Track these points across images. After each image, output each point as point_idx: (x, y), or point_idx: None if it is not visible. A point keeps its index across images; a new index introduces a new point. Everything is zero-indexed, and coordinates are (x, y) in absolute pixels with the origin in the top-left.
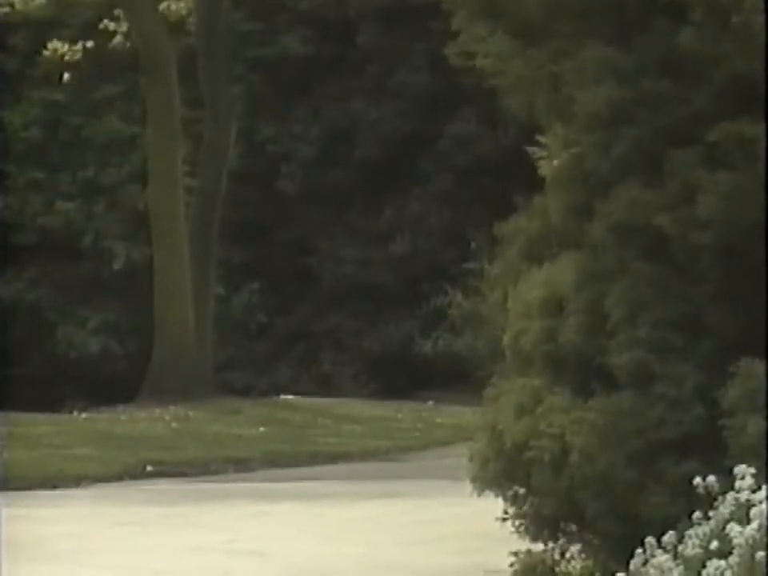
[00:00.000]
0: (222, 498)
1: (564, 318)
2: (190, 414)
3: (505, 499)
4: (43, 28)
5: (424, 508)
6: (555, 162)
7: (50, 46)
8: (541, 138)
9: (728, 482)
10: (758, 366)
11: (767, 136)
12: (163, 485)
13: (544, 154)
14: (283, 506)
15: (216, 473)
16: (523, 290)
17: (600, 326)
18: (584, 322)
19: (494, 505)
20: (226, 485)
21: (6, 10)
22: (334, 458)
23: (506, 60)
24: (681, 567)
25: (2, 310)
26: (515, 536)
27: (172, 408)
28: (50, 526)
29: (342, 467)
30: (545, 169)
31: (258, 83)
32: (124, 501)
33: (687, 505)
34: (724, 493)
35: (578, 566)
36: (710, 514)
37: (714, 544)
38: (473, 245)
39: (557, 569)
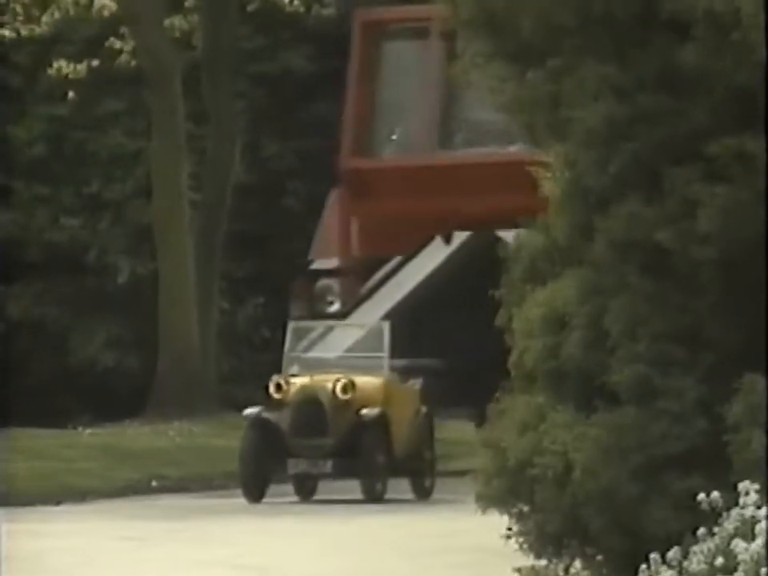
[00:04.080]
0: (225, 513)
1: (566, 334)
2: (194, 429)
3: (509, 516)
4: (48, 45)
5: (425, 522)
6: (556, 181)
7: (54, 65)
8: (543, 157)
9: (732, 497)
10: (761, 381)
11: (767, 151)
12: (167, 500)
13: (546, 173)
14: (285, 521)
15: (219, 488)
16: (527, 308)
17: (602, 342)
18: (586, 339)
19: (497, 520)
20: (228, 500)
21: (7, 32)
22: None
23: (505, 81)
24: None
25: (7, 325)
26: (518, 552)
27: (176, 423)
28: (52, 541)
29: (342, 482)
30: (547, 187)
31: (262, 98)
32: (127, 515)
33: (691, 520)
34: (728, 509)
35: None
36: (715, 529)
37: (719, 560)
38: None
39: None
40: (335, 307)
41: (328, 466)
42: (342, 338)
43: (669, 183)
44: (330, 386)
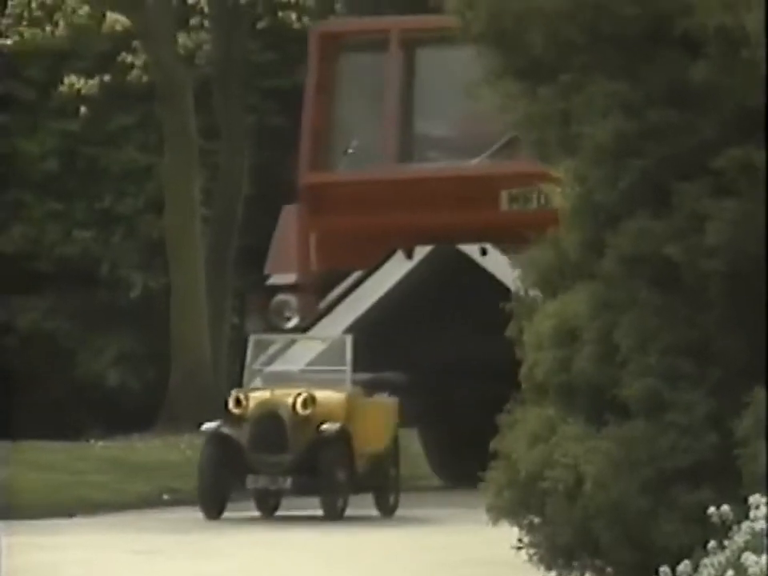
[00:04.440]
0: (236, 526)
1: (577, 348)
2: None
3: (520, 528)
4: (59, 59)
5: (434, 534)
6: (566, 196)
7: (65, 81)
8: (554, 173)
9: (743, 510)
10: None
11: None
12: (178, 513)
13: (558, 188)
14: (296, 533)
15: (231, 501)
16: (537, 322)
17: (612, 355)
18: (596, 352)
19: (507, 533)
20: (240, 513)
21: (9, 42)
22: None
23: (516, 98)
24: None
25: (19, 339)
26: (527, 564)
27: (187, 436)
28: (64, 553)
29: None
30: (558, 203)
31: (272, 113)
32: (139, 528)
33: (702, 533)
34: (739, 522)
35: None
36: (725, 543)
37: (730, 573)
38: None
39: None
40: (293, 323)
41: (287, 482)
42: (304, 351)
43: (677, 198)
44: (290, 400)
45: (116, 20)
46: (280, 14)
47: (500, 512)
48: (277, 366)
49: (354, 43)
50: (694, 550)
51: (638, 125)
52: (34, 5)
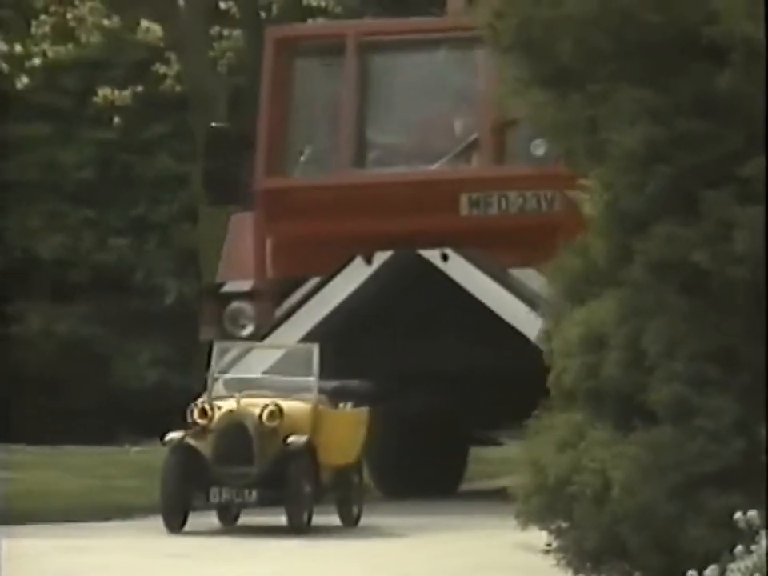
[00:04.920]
0: (272, 530)
1: (605, 354)
2: None
3: (549, 532)
4: (95, 69)
5: (462, 539)
6: (594, 203)
7: (100, 92)
8: (582, 181)
9: None
10: None
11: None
12: (211, 517)
13: (586, 196)
14: (327, 537)
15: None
16: (565, 328)
17: (640, 361)
18: (624, 359)
19: (536, 539)
20: (273, 517)
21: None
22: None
23: (544, 107)
24: None
25: (57, 344)
26: (555, 568)
27: None
28: (101, 557)
29: (385, 501)
30: (587, 210)
31: None
32: (174, 532)
33: (729, 538)
34: (766, 527)
35: None
36: (752, 547)
37: None
38: None
39: None
40: (248, 330)
41: (253, 495)
42: (261, 359)
43: (705, 205)
44: (256, 412)
45: (148, 29)
46: (310, 21)
47: (528, 517)
48: (235, 373)
49: (310, 48)
50: (721, 555)
51: (665, 132)
52: (69, 15)
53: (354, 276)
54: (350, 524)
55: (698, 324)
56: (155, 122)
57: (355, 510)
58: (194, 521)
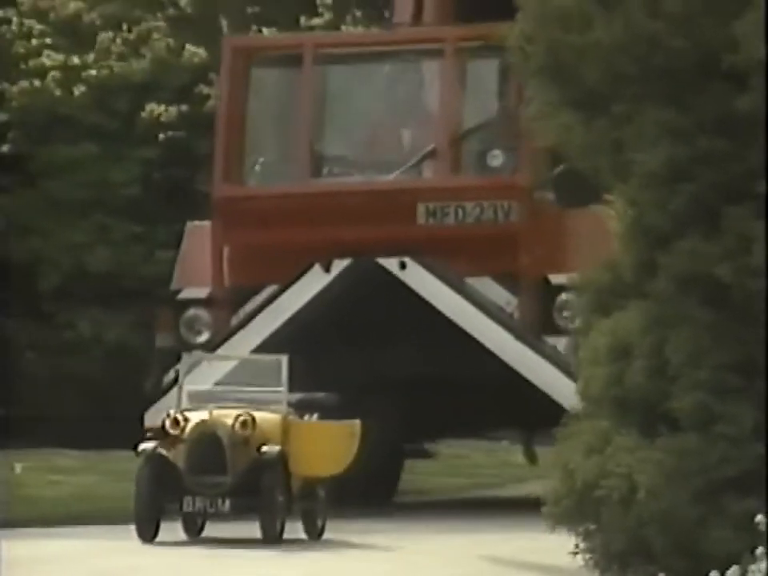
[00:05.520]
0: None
1: (630, 363)
2: None
3: (577, 535)
4: (142, 91)
5: (483, 543)
6: (620, 220)
7: (147, 108)
8: (608, 197)
9: None
10: None
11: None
12: (251, 521)
13: (612, 212)
14: (358, 539)
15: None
16: (592, 338)
17: (664, 370)
18: (649, 368)
19: (564, 541)
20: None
21: (95, 71)
22: (410, 493)
23: (572, 128)
24: None
25: (105, 352)
26: (582, 569)
27: None
28: (141, 558)
29: (416, 505)
30: (613, 226)
31: None
32: (211, 533)
33: (749, 540)
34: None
35: None
36: None
37: None
38: None
39: None
40: (204, 337)
41: (226, 504)
42: (219, 369)
43: (726, 221)
44: (229, 422)
45: (194, 53)
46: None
47: (557, 519)
48: (188, 384)
49: (267, 58)
50: (742, 557)
51: (687, 152)
52: (119, 40)
53: (312, 284)
54: (314, 536)
55: (720, 334)
56: (199, 140)
57: (319, 522)
58: (230, 525)
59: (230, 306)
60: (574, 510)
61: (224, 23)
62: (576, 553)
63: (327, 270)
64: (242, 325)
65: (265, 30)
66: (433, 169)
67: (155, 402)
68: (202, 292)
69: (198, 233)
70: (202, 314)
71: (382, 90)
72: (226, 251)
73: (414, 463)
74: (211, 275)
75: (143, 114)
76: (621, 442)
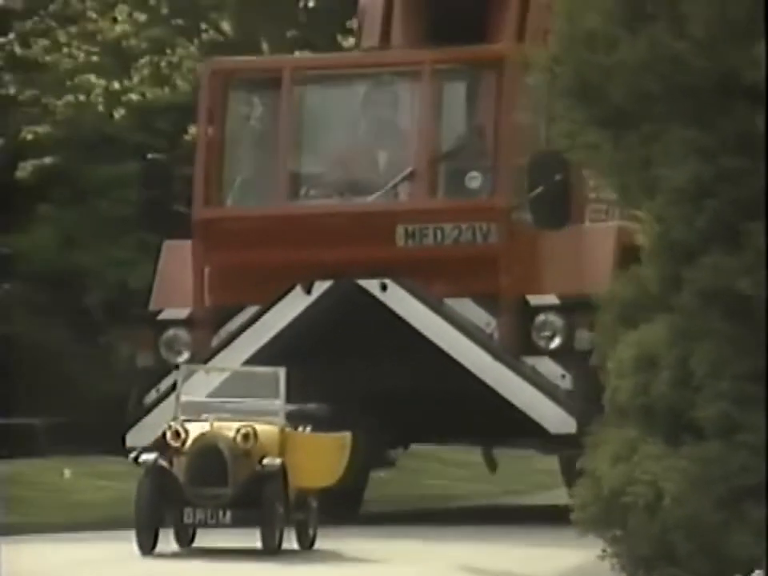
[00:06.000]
0: (328, 538)
1: (656, 374)
2: None
3: (604, 540)
4: (185, 112)
5: (502, 550)
6: (647, 235)
7: (190, 130)
8: (636, 213)
9: None
10: None
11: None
12: (246, 529)
13: (639, 227)
14: (389, 545)
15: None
16: (619, 350)
17: (688, 381)
18: (674, 378)
19: (593, 547)
20: (334, 528)
21: (134, 96)
22: (441, 500)
23: (598, 147)
24: None
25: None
26: (609, 573)
27: None
28: (179, 562)
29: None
30: (641, 241)
31: None
32: (235, 537)
33: None
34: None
35: None
36: None
37: None
38: None
39: None
40: (184, 357)
41: (227, 516)
42: (209, 382)
43: (747, 236)
44: (231, 434)
45: None
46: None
47: (585, 525)
48: (184, 397)
49: (246, 80)
50: (765, 560)
51: (712, 169)
52: (163, 63)
53: (294, 305)
54: (306, 547)
55: (741, 346)
56: None
57: (311, 532)
58: (254, 532)
59: (211, 327)
60: (601, 516)
61: (265, 46)
62: (603, 557)
63: (308, 291)
64: (225, 344)
65: (301, 53)
66: (411, 191)
67: (137, 421)
68: (182, 312)
69: (175, 252)
70: (182, 334)
71: (361, 112)
72: (206, 272)
73: (446, 470)
74: (192, 296)
75: (186, 137)
76: (647, 451)
